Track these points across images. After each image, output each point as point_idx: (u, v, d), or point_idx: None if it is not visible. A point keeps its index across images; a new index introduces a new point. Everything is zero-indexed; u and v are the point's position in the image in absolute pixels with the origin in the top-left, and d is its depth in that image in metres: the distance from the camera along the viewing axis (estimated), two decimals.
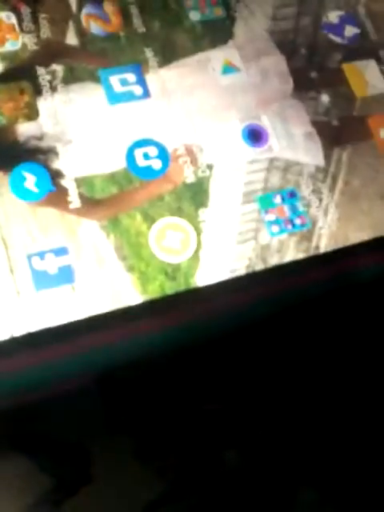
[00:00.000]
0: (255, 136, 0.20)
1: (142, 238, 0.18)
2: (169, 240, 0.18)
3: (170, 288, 0.18)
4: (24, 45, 0.19)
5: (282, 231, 0.19)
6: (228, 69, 0.21)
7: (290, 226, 0.19)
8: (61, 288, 0.17)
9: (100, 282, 0.17)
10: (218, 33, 0.21)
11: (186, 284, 0.18)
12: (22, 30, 0.20)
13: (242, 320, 0.18)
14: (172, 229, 0.18)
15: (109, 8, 0.20)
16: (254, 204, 0.19)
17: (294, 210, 0.19)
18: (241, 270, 0.18)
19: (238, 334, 0.18)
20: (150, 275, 0.18)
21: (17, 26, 0.20)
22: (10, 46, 0.19)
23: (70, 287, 0.17)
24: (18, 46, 0.19)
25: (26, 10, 0.20)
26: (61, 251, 0.18)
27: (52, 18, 0.20)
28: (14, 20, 0.20)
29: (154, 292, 0.18)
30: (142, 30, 0.20)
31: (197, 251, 0.18)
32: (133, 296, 0.18)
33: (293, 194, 0.19)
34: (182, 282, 0.18)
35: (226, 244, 0.19)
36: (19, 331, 0.17)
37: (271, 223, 0.19)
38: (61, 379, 0.16)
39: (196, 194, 0.19)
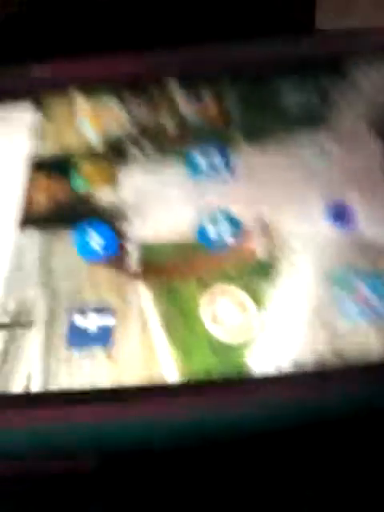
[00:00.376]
0: (340, 215, 0.17)
1: (192, 304, 0.16)
2: (225, 313, 0.16)
3: (217, 370, 0.15)
4: (121, 124, 0.20)
5: (362, 320, 0.15)
6: (318, 152, 0.19)
7: (373, 315, 0.15)
8: (94, 349, 0.15)
9: (138, 349, 0.15)
10: (310, 118, 0.20)
11: (236, 368, 0.15)
12: (121, 112, 0.21)
13: (302, 421, 0.14)
14: (230, 300, 0.16)
15: (206, 96, 0.21)
16: (332, 287, 0.16)
17: (380, 297, 0.16)
18: (307, 363, 0.15)
19: (294, 437, 0.14)
20: (196, 350, 0.15)
21: (118, 110, 0.21)
22: (108, 124, 0.20)
23: (105, 349, 0.15)
24: (114, 124, 0.20)
25: (131, 100, 0.21)
26: (105, 311, 0.16)
27: (151, 103, 0.21)
28: (116, 105, 0.21)
29: (196, 371, 0.15)
30: (236, 114, 0.20)
31: (254, 329, 0.15)
32: (171, 371, 0.15)
33: (378, 279, 0.16)
34: (231, 365, 0.15)
35: (292, 329, 0.16)
36: (37, 386, 0.15)
37: (350, 310, 0.16)
38: (57, 449, 0.14)
39: (266, 271, 0.17)
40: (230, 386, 0.15)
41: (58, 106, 0.21)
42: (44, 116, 0.21)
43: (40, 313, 0.16)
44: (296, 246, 0.17)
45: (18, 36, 0.23)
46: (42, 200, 0.19)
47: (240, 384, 0.15)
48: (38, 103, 0.21)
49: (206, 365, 0.15)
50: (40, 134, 0.20)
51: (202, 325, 0.16)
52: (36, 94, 0.22)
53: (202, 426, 0.14)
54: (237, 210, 0.18)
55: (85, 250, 0.17)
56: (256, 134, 0.20)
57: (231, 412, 0.14)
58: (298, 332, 0.15)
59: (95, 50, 0.21)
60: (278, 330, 0.15)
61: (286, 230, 0.17)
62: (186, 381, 0.15)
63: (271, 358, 0.15)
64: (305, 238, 0.17)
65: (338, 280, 0.16)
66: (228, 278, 0.16)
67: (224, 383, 0.15)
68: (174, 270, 0.17)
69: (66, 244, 0.18)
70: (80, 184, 0.19)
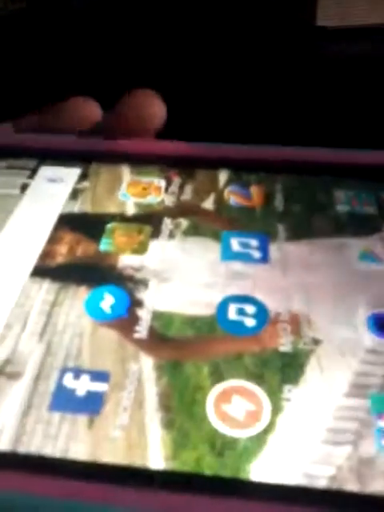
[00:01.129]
0: None
1: (199, 394, 0.14)
2: (233, 407, 0.14)
3: (211, 467, 0.13)
4: (162, 201, 0.20)
5: None
6: (367, 257, 0.18)
7: None
8: (78, 416, 0.13)
9: (125, 426, 0.13)
10: (363, 225, 0.19)
11: (234, 470, 0.13)
12: (166, 191, 0.20)
13: None
14: (242, 396, 0.14)
15: (254, 189, 0.21)
16: (364, 401, 0.14)
17: None
18: (321, 480, 0.12)
19: None
20: (190, 440, 0.13)
21: (163, 188, 0.21)
22: (150, 200, 0.20)
23: (89, 419, 0.13)
24: (156, 200, 0.20)
25: (176, 180, 0.21)
26: (100, 376, 0.14)
27: (197, 188, 0.21)
28: (162, 184, 0.21)
29: (186, 463, 0.13)
30: (281, 209, 0.20)
31: (266, 433, 0.13)
32: (156, 458, 0.13)
33: None
34: (229, 466, 0.13)
35: (309, 438, 0.13)
36: (5, 444, 0.13)
37: (382, 435, 0.13)
38: None
39: (287, 366, 0.15)
40: (224, 488, 0.12)
41: (104, 176, 0.21)
42: (89, 183, 0.21)
43: (30, 366, 0.15)
44: (328, 348, 0.15)
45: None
46: (62, 253, 0.18)
47: (235, 488, 0.12)
48: (87, 171, 0.21)
49: (200, 460, 0.13)
50: (80, 198, 0.20)
51: (205, 414, 0.13)
52: (87, 162, 0.22)
53: None
54: (265, 297, 0.16)
55: (93, 308, 0.16)
56: (301, 229, 0.19)
57: None
58: (317, 443, 0.13)
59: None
60: (292, 437, 0.13)
61: (317, 327, 0.16)
62: (171, 472, 0.12)
63: (279, 467, 0.13)
64: (339, 341, 0.15)
65: (374, 398, 0.14)
66: (244, 370, 0.14)
67: (216, 482, 0.12)
68: (183, 347, 0.15)
69: (74, 299, 0.16)
70: (107, 246, 0.18)
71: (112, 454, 0.13)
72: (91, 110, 0.22)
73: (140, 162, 0.22)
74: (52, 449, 0.13)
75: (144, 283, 0.17)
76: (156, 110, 0.21)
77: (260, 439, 0.13)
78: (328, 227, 0.19)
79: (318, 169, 0.21)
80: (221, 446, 0.13)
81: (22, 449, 0.13)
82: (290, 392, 0.14)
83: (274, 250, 0.18)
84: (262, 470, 0.13)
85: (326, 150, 0.21)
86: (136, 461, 0.13)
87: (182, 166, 0.22)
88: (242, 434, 0.13)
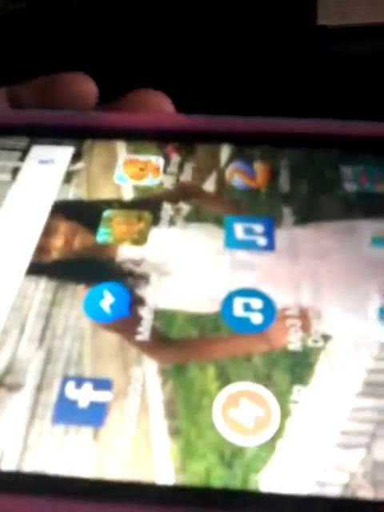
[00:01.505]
0: None
1: (205, 399, 0.13)
2: (240, 412, 0.13)
3: (219, 478, 0.12)
4: (161, 183, 0.19)
5: None
6: (380, 241, 0.17)
7: None
8: (82, 429, 0.13)
9: (131, 437, 0.13)
10: (374, 206, 0.18)
11: (243, 480, 0.12)
12: (164, 171, 0.19)
13: None
14: (249, 399, 0.13)
15: (259, 166, 0.19)
16: (378, 401, 0.13)
17: None
18: (333, 487, 0.12)
19: None
20: (199, 450, 0.13)
21: (161, 168, 0.19)
22: (147, 182, 0.19)
23: (93, 432, 0.13)
24: (154, 183, 0.19)
25: (175, 158, 0.20)
26: (103, 385, 0.14)
27: (197, 167, 0.19)
28: (160, 163, 0.20)
29: (195, 475, 0.12)
30: (286, 190, 0.19)
31: (274, 439, 0.13)
32: (165, 471, 0.12)
33: None
34: (238, 476, 0.12)
35: (320, 442, 0.13)
36: (9, 464, 0.13)
37: None
38: None
39: (296, 366, 0.14)
40: (233, 501, 0.12)
41: (98, 155, 0.20)
42: (83, 163, 0.20)
43: (30, 375, 0.14)
44: (338, 344, 0.14)
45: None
46: (58, 246, 0.17)
47: (247, 502, 0.12)
48: (80, 149, 0.20)
49: (209, 472, 0.12)
50: (74, 182, 0.19)
51: (212, 422, 0.13)
52: (80, 139, 0.21)
53: None
54: (272, 289, 0.16)
55: (92, 307, 0.15)
56: (308, 211, 0.18)
57: None
58: (329, 448, 0.13)
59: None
60: (303, 442, 0.13)
61: (327, 321, 0.15)
62: (180, 486, 0.12)
63: (290, 475, 0.12)
64: (351, 336, 0.15)
65: None
66: (252, 371, 0.14)
67: (226, 496, 0.12)
68: (187, 348, 0.15)
69: (72, 298, 0.16)
70: (104, 237, 0.17)
71: (119, 468, 0.12)
72: (86, 86, 0.21)
73: (136, 136, 0.20)
74: (56, 465, 0.13)
75: (144, 278, 0.16)
76: (165, 108, 0.20)
77: (269, 446, 0.13)
78: (337, 209, 0.18)
79: (325, 141, 0.20)
80: (230, 455, 0.13)
81: (27, 467, 0.12)
82: (299, 393, 0.14)
83: (279, 235, 0.17)
84: (272, 480, 0.12)
85: (334, 122, 0.20)
86: (143, 474, 0.12)
87: (180, 141, 0.20)
88: (250, 441, 0.13)
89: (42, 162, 0.20)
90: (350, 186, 0.18)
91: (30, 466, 0.13)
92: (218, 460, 0.13)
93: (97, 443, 0.13)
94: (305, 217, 0.18)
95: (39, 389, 0.14)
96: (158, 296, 0.16)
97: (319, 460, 0.12)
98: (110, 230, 0.17)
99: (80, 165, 0.20)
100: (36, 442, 0.13)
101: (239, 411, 0.13)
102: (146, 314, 0.15)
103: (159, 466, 0.12)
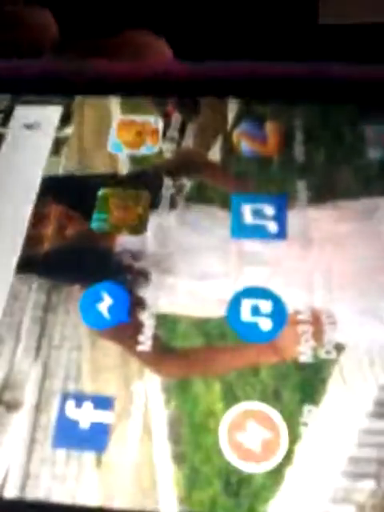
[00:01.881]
0: None
1: (211, 421, 0.13)
2: (248, 436, 0.13)
3: (225, 508, 0.12)
4: (160, 151, 0.17)
5: None
6: None
7: None
8: (84, 454, 0.13)
9: (134, 462, 0.13)
10: None
11: (249, 510, 0.12)
12: (164, 136, 0.17)
13: None
14: (257, 421, 0.13)
15: (270, 127, 0.17)
16: None
17: None
18: None
19: None
20: (203, 477, 0.12)
21: (160, 132, 0.17)
22: (145, 150, 0.17)
23: (96, 458, 0.13)
24: (153, 151, 0.17)
25: (176, 118, 0.17)
26: (104, 403, 0.13)
27: (201, 129, 0.17)
28: (160, 125, 0.17)
29: (200, 504, 0.12)
30: (301, 159, 0.16)
31: (283, 466, 0.12)
32: (170, 500, 0.12)
33: None
34: (244, 506, 0.12)
35: (329, 470, 0.12)
36: (12, 491, 0.12)
37: None
38: None
39: (307, 382, 0.13)
40: None
41: (90, 115, 0.18)
42: (73, 128, 0.18)
43: (29, 391, 0.14)
44: (352, 355, 0.13)
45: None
46: (49, 236, 0.16)
47: None
48: (69, 109, 0.18)
49: (214, 500, 0.12)
50: (64, 152, 0.17)
51: (218, 447, 0.13)
52: (69, 94, 0.18)
53: None
54: (283, 288, 0.14)
55: (90, 312, 0.14)
56: (326, 187, 0.16)
57: None
58: (338, 477, 0.12)
59: None
60: (311, 470, 0.12)
61: (342, 327, 0.14)
62: None
63: (296, 507, 0.12)
64: (366, 345, 0.14)
65: None
66: (260, 388, 0.13)
67: None
68: (192, 358, 0.14)
69: (68, 301, 0.15)
70: (100, 224, 0.16)
71: (122, 496, 0.12)
72: (45, 18, 0.18)
73: (132, 89, 0.18)
74: (60, 492, 0.12)
75: (144, 275, 0.15)
76: (161, 50, 0.17)
77: (277, 474, 0.12)
78: (357, 183, 0.16)
79: (345, 89, 0.17)
80: (236, 483, 0.12)
81: (30, 495, 0.12)
82: (309, 414, 0.13)
83: (293, 218, 0.15)
84: (279, 511, 0.12)
85: (353, 65, 0.17)
86: (147, 503, 0.12)
87: (182, 95, 0.18)
88: (257, 468, 0.12)
89: (28, 126, 0.18)
90: (373, 153, 0.16)
91: (33, 493, 0.12)
92: (223, 488, 0.12)
93: (100, 470, 0.13)
94: (320, 193, 0.16)
95: (38, 408, 0.13)
96: (158, 298, 0.15)
97: (328, 490, 0.12)
98: (106, 215, 0.16)
99: (69, 130, 0.18)
100: (38, 468, 0.13)
101: (246, 435, 0.13)
102: (146, 319, 0.14)
103: (163, 494, 0.12)
